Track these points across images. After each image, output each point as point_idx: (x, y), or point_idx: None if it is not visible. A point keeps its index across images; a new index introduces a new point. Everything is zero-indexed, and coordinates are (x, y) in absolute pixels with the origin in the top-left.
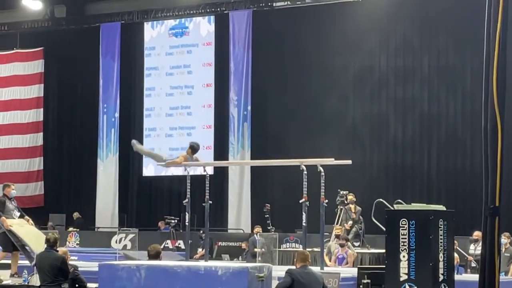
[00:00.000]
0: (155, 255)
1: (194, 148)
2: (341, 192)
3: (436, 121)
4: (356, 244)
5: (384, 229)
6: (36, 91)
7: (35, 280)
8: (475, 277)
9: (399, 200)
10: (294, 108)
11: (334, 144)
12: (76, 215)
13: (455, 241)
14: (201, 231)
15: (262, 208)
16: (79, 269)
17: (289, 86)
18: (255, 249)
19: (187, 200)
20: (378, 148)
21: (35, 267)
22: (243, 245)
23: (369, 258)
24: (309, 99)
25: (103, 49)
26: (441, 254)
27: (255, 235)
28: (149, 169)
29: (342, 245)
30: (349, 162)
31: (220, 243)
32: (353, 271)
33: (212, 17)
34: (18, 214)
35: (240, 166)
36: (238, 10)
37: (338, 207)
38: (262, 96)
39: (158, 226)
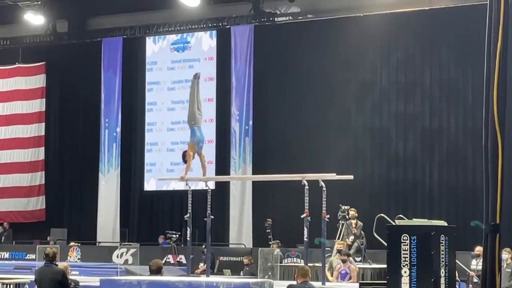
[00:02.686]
0: (157, 270)
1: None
2: (343, 207)
3: (438, 136)
4: (358, 259)
5: (385, 244)
6: (37, 105)
7: None
8: None
9: (401, 215)
10: (295, 122)
11: (336, 159)
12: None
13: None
14: (203, 246)
15: (263, 223)
16: (80, 284)
17: (290, 100)
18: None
19: (188, 215)
20: (380, 163)
21: (35, 282)
22: (245, 260)
23: (371, 273)
24: (311, 114)
25: (104, 63)
26: (442, 270)
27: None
28: (151, 184)
29: (344, 261)
30: (351, 177)
31: (221, 258)
32: (354, 287)
33: (214, 32)
34: None
35: (242, 181)
36: (240, 25)
37: (340, 222)
38: (264, 111)
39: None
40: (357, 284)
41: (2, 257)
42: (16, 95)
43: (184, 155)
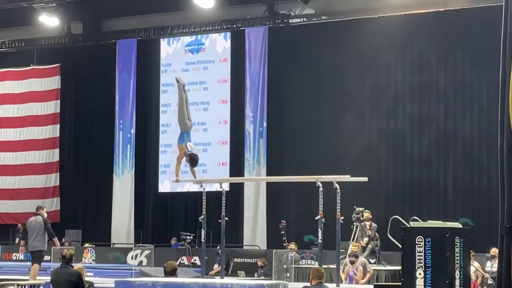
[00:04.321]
0: (171, 272)
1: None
2: (357, 209)
3: (452, 138)
4: (372, 261)
5: (400, 246)
6: (52, 107)
7: None
8: None
9: (415, 217)
10: (309, 124)
11: (350, 161)
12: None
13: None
14: (217, 247)
15: (278, 225)
16: (95, 285)
17: (304, 102)
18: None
19: (203, 216)
20: (394, 165)
21: (51, 283)
22: (259, 263)
23: (385, 275)
24: (325, 116)
25: (119, 65)
26: (457, 272)
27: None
28: (165, 185)
29: (352, 262)
30: (365, 179)
31: (235, 259)
32: None
33: (228, 34)
34: None
35: (256, 182)
36: (254, 27)
37: (354, 224)
38: (278, 113)
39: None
40: (370, 286)
41: (17, 258)
42: (31, 96)
43: (196, 159)
